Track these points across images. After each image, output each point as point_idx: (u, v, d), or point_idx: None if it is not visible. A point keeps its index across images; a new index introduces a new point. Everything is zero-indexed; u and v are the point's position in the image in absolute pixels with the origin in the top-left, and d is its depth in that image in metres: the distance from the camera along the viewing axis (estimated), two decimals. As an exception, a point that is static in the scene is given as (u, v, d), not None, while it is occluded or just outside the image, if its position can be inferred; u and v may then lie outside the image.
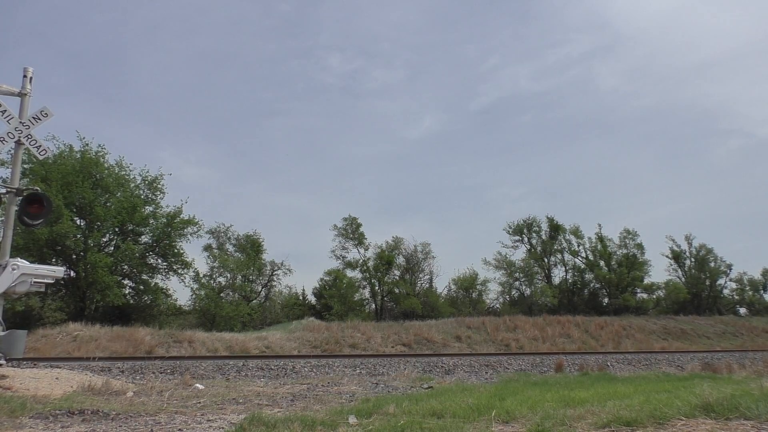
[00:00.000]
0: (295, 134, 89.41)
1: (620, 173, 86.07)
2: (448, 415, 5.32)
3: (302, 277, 73.78)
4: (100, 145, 25.49)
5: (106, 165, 25.37)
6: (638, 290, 39.30)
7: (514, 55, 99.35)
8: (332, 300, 30.55)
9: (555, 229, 39.35)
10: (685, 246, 43.01)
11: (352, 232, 34.42)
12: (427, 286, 35.48)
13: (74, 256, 23.54)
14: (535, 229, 39.82)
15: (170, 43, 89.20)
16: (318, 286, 33.40)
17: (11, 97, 10.02)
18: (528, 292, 37.42)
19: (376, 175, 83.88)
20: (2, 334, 8.90)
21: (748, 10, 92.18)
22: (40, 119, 10.08)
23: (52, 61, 77.95)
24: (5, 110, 9.78)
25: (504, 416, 5.23)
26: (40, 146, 10.12)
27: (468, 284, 36.20)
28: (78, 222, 24.00)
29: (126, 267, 25.48)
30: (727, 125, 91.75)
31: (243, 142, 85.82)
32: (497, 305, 37.14)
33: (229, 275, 30.32)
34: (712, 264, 42.41)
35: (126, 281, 26.09)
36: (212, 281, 29.30)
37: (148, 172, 26.70)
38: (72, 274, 23.43)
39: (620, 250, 39.43)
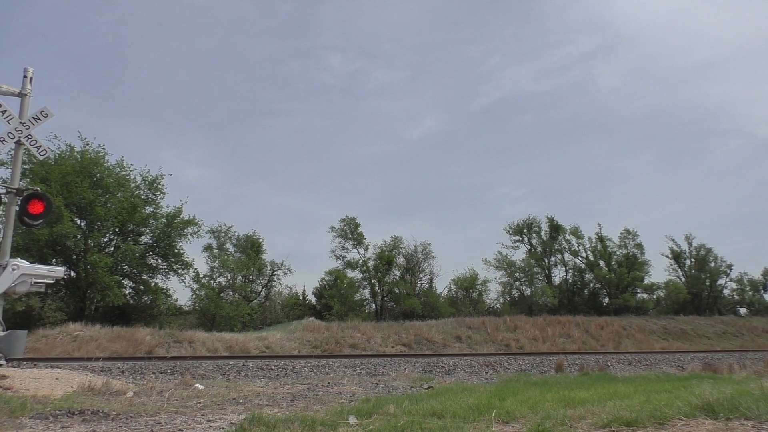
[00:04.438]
0: (295, 134, 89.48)
1: (620, 173, 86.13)
2: (449, 415, 5.31)
3: (302, 277, 73.91)
4: (100, 145, 25.57)
5: (106, 165, 25.39)
6: (638, 290, 39.29)
7: (515, 56, 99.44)
8: (332, 300, 30.55)
9: (555, 229, 39.35)
10: (685, 246, 43.06)
11: (350, 232, 34.43)
12: (427, 286, 35.50)
13: (74, 257, 23.55)
14: (535, 229, 39.85)
15: (171, 43, 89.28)
16: (318, 286, 33.46)
17: (11, 98, 10.02)
18: (528, 292, 37.42)
19: (377, 175, 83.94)
20: (2, 334, 8.90)
21: (748, 11, 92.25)
22: (40, 119, 10.08)
23: (53, 61, 78.03)
24: (5, 110, 9.78)
25: (504, 416, 5.23)
26: (40, 146, 10.12)
27: (468, 284, 36.20)
28: (78, 222, 24.00)
29: (126, 267, 25.48)
30: (727, 125, 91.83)
31: (244, 143, 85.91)
32: (497, 305, 37.15)
33: (229, 275, 30.35)
34: (712, 264, 42.39)
35: (126, 281, 26.09)
36: (212, 281, 29.32)
37: (148, 172, 26.76)
38: (72, 274, 23.43)
39: (620, 250, 39.43)
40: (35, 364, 11.78)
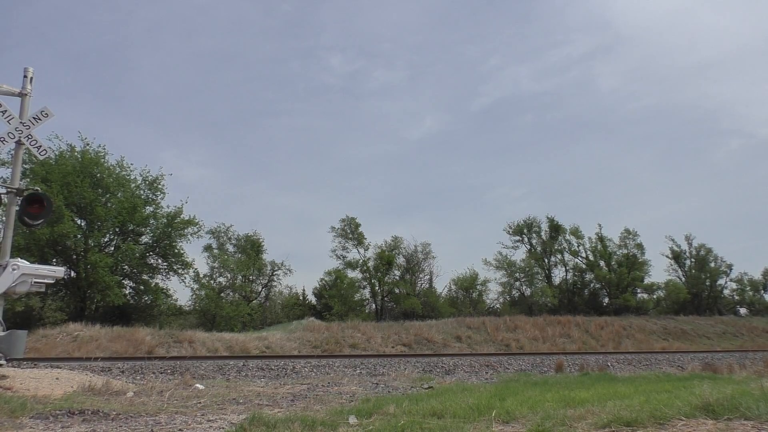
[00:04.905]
0: (296, 134, 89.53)
1: (620, 173, 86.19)
2: (449, 415, 5.31)
3: (302, 277, 73.93)
4: (100, 145, 25.58)
5: (106, 165, 25.39)
6: (638, 290, 39.28)
7: (515, 56, 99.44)
8: (332, 300, 30.55)
9: (555, 229, 39.34)
10: (685, 246, 43.07)
11: (351, 232, 34.43)
12: (427, 286, 35.50)
13: (75, 256, 23.55)
14: (535, 229, 39.82)
15: (171, 43, 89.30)
16: (318, 286, 33.47)
17: (12, 98, 10.02)
18: (528, 292, 37.43)
19: (377, 175, 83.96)
20: (2, 334, 8.90)
21: (748, 11, 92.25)
22: (40, 119, 10.08)
23: (53, 61, 78.07)
24: (5, 110, 9.78)
25: (504, 416, 5.23)
26: (40, 146, 10.12)
27: (468, 284, 36.20)
28: (78, 222, 24.01)
29: (126, 267, 25.49)
30: (727, 125, 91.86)
31: (244, 143, 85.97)
32: (497, 305, 37.16)
33: (229, 275, 30.35)
34: (712, 264, 42.38)
35: (126, 281, 26.11)
36: (212, 281, 29.33)
37: (148, 172, 26.77)
38: (72, 274, 23.44)
39: (620, 250, 39.42)
40: (35, 364, 11.78)
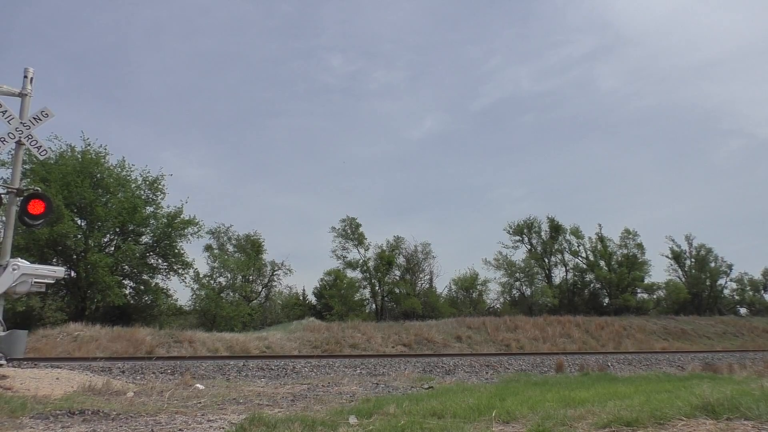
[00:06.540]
0: (296, 135, 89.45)
1: (620, 173, 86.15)
2: (449, 416, 5.32)
3: (302, 277, 73.77)
4: (101, 146, 25.57)
5: (106, 165, 25.39)
6: (638, 290, 39.29)
7: (516, 56, 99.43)
8: (333, 300, 30.54)
9: (555, 229, 39.35)
10: (685, 246, 43.07)
11: (351, 232, 34.42)
12: (428, 286, 35.50)
13: (75, 257, 23.55)
14: (535, 229, 39.85)
15: (172, 43, 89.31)
16: (318, 286, 33.42)
17: (12, 98, 10.02)
18: (528, 292, 37.44)
19: (377, 175, 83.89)
20: (3, 334, 8.91)
21: (748, 11, 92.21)
22: (40, 119, 10.09)
23: (54, 61, 78.05)
24: (6, 111, 9.79)
25: (504, 416, 5.23)
26: (40, 146, 10.13)
27: (468, 284, 36.20)
28: (78, 222, 24.01)
29: (126, 267, 25.48)
30: (728, 126, 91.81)
31: (244, 143, 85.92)
32: (498, 305, 37.15)
33: (229, 275, 30.32)
34: (713, 264, 42.38)
35: (126, 281, 26.09)
36: (212, 281, 29.31)
37: (149, 172, 26.77)
38: (72, 274, 23.43)
39: (620, 250, 39.43)
40: (36, 364, 11.78)
